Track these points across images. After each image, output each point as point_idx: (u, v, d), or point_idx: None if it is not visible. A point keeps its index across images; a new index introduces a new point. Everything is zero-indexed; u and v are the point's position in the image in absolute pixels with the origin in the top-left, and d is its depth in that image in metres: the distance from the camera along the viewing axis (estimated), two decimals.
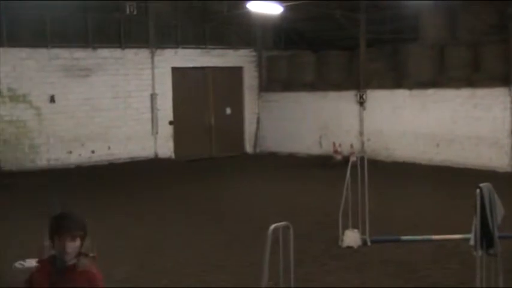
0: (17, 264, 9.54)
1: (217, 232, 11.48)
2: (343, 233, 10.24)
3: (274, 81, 22.76)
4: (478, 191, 6.74)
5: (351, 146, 19.19)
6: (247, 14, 20.17)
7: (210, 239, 11.01)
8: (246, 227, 11.59)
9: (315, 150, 20.95)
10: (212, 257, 9.88)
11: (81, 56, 19.66)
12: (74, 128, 19.46)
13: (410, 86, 18.91)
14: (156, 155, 20.95)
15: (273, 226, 6.13)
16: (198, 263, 9.61)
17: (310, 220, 11.78)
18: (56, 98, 19.24)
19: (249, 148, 22.95)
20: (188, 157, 20.58)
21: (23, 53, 18.74)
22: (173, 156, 21.23)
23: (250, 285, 7.89)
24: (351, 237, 10.25)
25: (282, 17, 20.45)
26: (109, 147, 20.02)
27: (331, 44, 21.87)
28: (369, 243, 10.20)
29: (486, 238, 6.84)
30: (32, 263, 9.50)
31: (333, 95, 20.83)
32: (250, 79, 23.01)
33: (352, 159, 11.90)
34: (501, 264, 6.92)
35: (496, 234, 6.93)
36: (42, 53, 19.01)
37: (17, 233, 11.46)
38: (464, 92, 17.72)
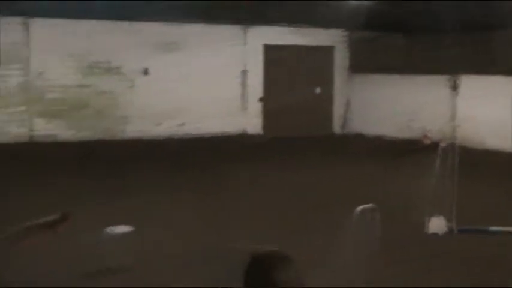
0: (108, 230, 9.88)
1: (303, 211, 11.61)
2: (429, 220, 10.20)
3: (364, 62, 22.60)
4: None
5: (441, 131, 18.92)
6: None
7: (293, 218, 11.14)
8: (329, 209, 11.66)
9: (403, 133, 20.74)
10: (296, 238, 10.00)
11: (174, 31, 20.00)
12: (164, 100, 19.85)
13: (506, 72, 18.47)
14: (244, 130, 21.19)
15: (360, 208, 6.21)
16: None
17: (395, 204, 11.75)
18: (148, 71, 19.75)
19: (337, 128, 22.91)
20: (276, 134, 20.72)
21: (117, 26, 19.21)
22: (261, 132, 21.42)
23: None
24: (437, 224, 10.20)
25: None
26: (198, 121, 20.35)
27: (423, 28, 21.50)
28: (455, 231, 10.14)
29: None
30: (123, 228, 9.87)
31: (423, 79, 20.55)
32: (340, 60, 22.92)
33: (442, 145, 11.77)
34: None
35: None
36: (137, 27, 19.43)
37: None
38: None
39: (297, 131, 21.26)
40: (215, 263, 8.79)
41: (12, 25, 18.38)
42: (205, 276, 8.29)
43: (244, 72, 21.19)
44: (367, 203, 6.38)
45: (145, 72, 19.76)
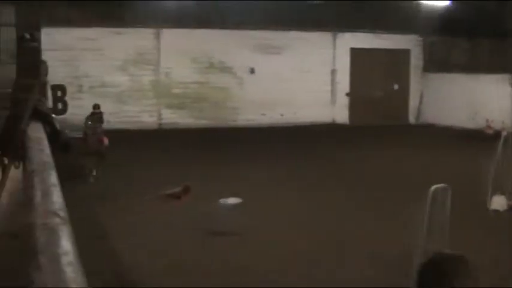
0: (221, 201, 10.05)
1: (385, 190, 11.50)
2: (491, 198, 9.94)
3: (435, 63, 22.11)
4: None
5: (503, 122, 18.30)
6: (416, 4, 19.70)
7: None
8: (398, 191, 11.49)
9: (469, 124, 20.17)
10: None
11: (274, 36, 20.10)
12: (267, 94, 19.97)
13: None
14: (334, 120, 21.12)
15: (433, 187, 6.10)
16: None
17: (460, 185, 11.44)
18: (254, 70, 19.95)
19: (412, 119, 22.52)
20: (360, 123, 20.58)
21: (229, 33, 19.44)
22: (347, 122, 21.31)
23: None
24: (498, 202, 9.93)
25: (445, 7, 19.77)
26: (295, 112, 20.39)
27: (485, 32, 20.80)
28: None
29: None
30: (234, 200, 10.02)
31: (484, 77, 19.94)
32: (415, 60, 22.50)
33: (503, 133, 11.40)
34: None
35: None
36: (245, 34, 19.62)
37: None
38: None
39: (377, 121, 21.00)
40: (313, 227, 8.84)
41: (146, 34, 18.90)
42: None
43: (333, 71, 21.11)
44: (440, 184, 6.25)
45: (252, 71, 19.96)
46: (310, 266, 7.40)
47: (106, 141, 12.39)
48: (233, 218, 8.72)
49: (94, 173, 11.91)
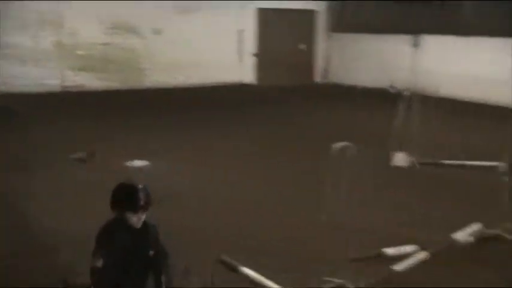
0: (128, 163, 9.90)
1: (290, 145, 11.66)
2: (393, 154, 10.26)
3: (342, 23, 22.40)
4: None
5: (404, 82, 18.81)
6: None
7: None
8: (312, 144, 11.69)
9: (373, 83, 20.61)
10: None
11: None
12: (174, 55, 19.61)
13: (461, 34, 18.32)
14: (241, 81, 21.07)
15: (336, 144, 6.20)
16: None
17: (363, 142, 11.73)
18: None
19: (319, 79, 22.80)
20: (267, 83, 20.69)
21: None
22: (255, 82, 21.35)
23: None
24: (400, 159, 10.26)
25: None
26: (203, 73, 20.17)
27: None
28: (417, 166, 10.17)
29: None
30: (140, 163, 9.88)
31: (390, 37, 20.42)
32: (322, 20, 22.69)
33: (405, 93, 11.73)
34: None
35: None
36: None
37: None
38: None
39: (284, 81, 21.14)
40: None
41: None
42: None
43: (240, 32, 20.98)
44: (343, 141, 6.36)
45: (158, 32, 19.53)
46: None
47: None
48: (140, 180, 8.58)
49: None
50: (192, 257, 5.91)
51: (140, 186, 4.53)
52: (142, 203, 4.40)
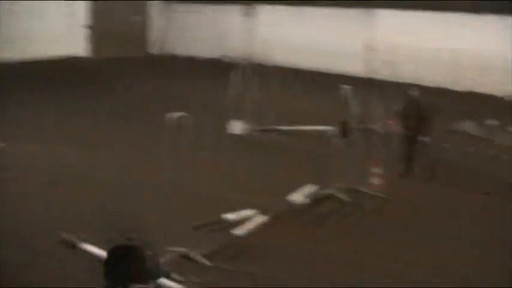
0: None
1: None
2: (229, 123, 10.39)
3: None
4: None
5: (241, 51, 19.05)
6: None
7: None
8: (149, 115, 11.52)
9: (209, 54, 20.72)
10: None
11: None
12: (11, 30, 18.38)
13: (293, 4, 18.81)
14: (75, 54, 20.18)
15: (172, 114, 6.17)
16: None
17: (199, 112, 11.76)
18: None
19: (155, 50, 22.47)
20: (102, 56, 20.05)
21: None
22: (90, 55, 20.59)
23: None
24: (237, 126, 10.41)
25: None
26: (33, 47, 19.01)
27: None
28: (253, 133, 10.37)
29: None
30: None
31: (227, 7, 20.60)
32: None
33: (241, 62, 11.85)
34: None
35: None
36: None
37: None
38: None
39: (119, 53, 20.58)
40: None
41: None
42: None
43: (70, 4, 20.07)
44: (180, 112, 6.34)
45: None
46: None
47: None
48: None
49: None
50: None
51: None
52: None
